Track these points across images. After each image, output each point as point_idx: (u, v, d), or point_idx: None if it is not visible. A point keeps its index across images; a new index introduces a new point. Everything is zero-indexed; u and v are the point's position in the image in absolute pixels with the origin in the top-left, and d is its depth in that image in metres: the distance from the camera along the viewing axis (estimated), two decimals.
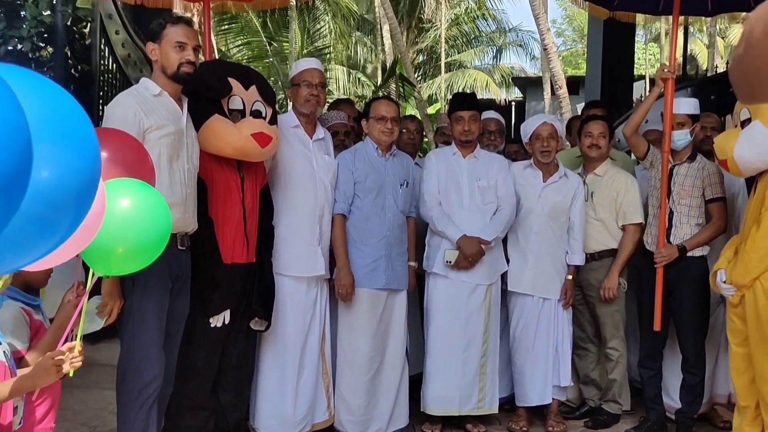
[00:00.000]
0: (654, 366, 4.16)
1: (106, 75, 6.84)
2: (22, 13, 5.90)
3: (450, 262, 4.01)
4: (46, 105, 0.99)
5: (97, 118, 6.68)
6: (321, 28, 19.10)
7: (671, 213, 4.09)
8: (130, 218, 1.62)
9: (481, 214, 4.11)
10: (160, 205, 1.82)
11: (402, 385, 4.08)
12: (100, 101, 6.70)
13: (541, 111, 21.16)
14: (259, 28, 18.89)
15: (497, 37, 24.53)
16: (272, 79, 19.15)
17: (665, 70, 4.12)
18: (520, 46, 24.37)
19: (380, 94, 18.34)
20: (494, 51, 24.73)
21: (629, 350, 4.41)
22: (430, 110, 21.55)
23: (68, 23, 6.18)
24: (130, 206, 1.65)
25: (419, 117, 19.78)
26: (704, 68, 21.24)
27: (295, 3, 15.84)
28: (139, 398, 3.02)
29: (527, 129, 4.33)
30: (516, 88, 24.31)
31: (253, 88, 3.45)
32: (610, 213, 4.29)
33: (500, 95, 22.01)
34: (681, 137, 4.06)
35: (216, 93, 3.32)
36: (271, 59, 18.49)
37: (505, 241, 4.25)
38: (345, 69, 21.76)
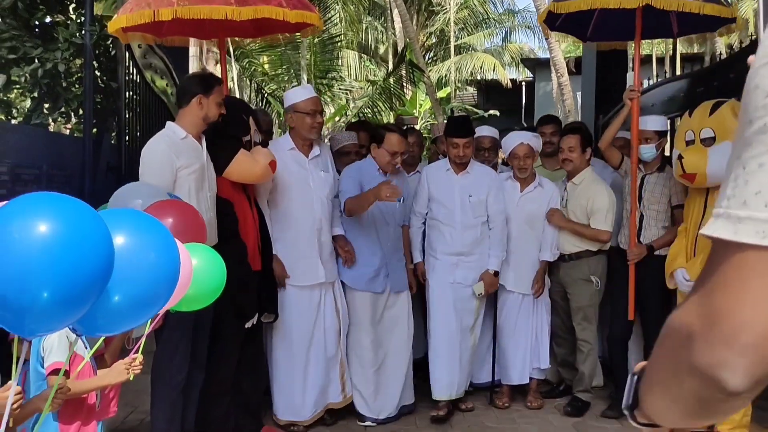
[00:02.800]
0: (622, 350, 4.70)
1: (131, 84, 7.42)
2: (55, 35, 6.43)
3: (482, 294, 4.56)
4: (139, 240, 1.58)
5: (123, 124, 7.28)
6: (332, 16, 19.44)
7: (641, 216, 4.59)
8: (198, 272, 2.18)
9: (473, 229, 4.58)
10: (218, 262, 2.41)
11: (407, 371, 4.59)
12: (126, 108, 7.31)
13: (550, 92, 21.48)
14: None
15: (506, 20, 24.79)
16: (285, 66, 19.60)
17: (631, 91, 4.60)
18: (529, 27, 24.61)
19: (390, 81, 18.81)
20: (503, 33, 25.00)
21: (601, 333, 4.95)
22: (441, 94, 21.95)
23: (96, 39, 6.72)
24: (198, 264, 2.20)
25: (429, 102, 20.24)
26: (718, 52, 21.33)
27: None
28: (170, 385, 3.61)
29: (506, 146, 4.81)
30: (526, 69, 24.62)
31: (251, 119, 4.02)
32: (582, 219, 4.75)
33: (507, 78, 22.30)
34: (647, 151, 4.55)
35: (245, 132, 3.90)
36: (283, 48, 18.88)
37: None
38: (356, 54, 22.14)
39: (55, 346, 2.46)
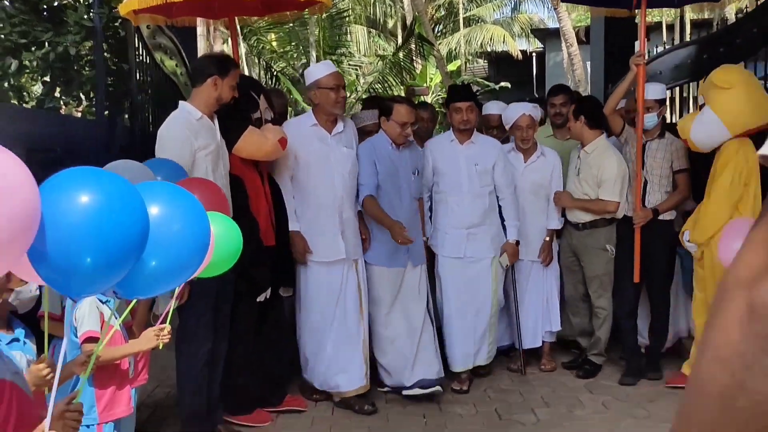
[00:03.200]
0: (633, 319, 4.82)
1: (141, 65, 7.49)
2: (64, 18, 6.51)
3: (507, 265, 4.68)
4: (173, 211, 1.73)
5: (136, 106, 7.37)
6: None
7: (645, 182, 4.67)
8: (217, 239, 2.29)
9: (481, 198, 4.61)
10: (234, 228, 2.54)
11: (422, 344, 4.50)
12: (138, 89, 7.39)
13: (560, 62, 21.36)
14: None
15: None
16: (293, 43, 19.61)
17: (637, 57, 4.63)
18: None
19: (400, 55, 18.80)
20: (512, 3, 24.83)
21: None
22: (451, 67, 21.90)
23: (106, 22, 6.79)
24: (217, 230, 2.30)
25: (440, 76, 20.21)
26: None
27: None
28: (195, 357, 3.74)
29: (508, 118, 4.86)
30: (536, 39, 24.49)
31: (263, 97, 4.09)
32: (593, 188, 4.74)
33: (517, 49, 22.22)
34: (648, 120, 4.62)
35: (254, 109, 3.98)
36: (291, 25, 18.86)
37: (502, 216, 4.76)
38: (365, 29, 22.09)
39: (86, 316, 2.60)
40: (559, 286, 5.02)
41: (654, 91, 4.70)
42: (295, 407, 4.35)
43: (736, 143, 4.19)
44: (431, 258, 4.81)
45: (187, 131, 3.62)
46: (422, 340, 4.54)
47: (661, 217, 4.64)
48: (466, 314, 4.63)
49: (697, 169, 4.62)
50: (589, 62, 12.81)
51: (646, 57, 9.60)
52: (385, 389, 4.59)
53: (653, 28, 19.41)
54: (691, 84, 8.13)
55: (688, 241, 4.34)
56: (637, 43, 11.78)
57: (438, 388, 4.45)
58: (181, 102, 3.84)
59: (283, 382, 4.51)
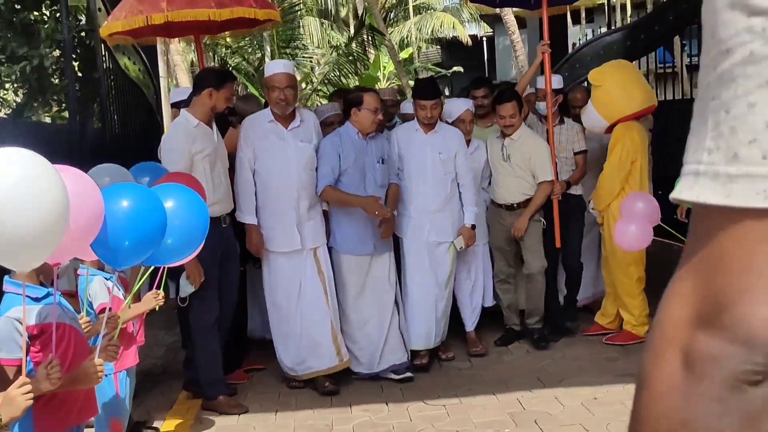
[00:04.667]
0: (555, 281, 5.57)
1: (108, 72, 8.03)
2: (37, 33, 7.06)
3: (462, 247, 4.95)
4: (178, 203, 2.45)
5: (107, 111, 7.91)
6: None
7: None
8: None
9: (443, 185, 4.90)
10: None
11: (391, 331, 4.76)
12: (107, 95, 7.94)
13: (509, 46, 22.18)
14: None
15: None
16: (248, 39, 19.99)
17: (542, 45, 5.28)
18: None
19: (353, 46, 19.37)
20: None
21: None
22: (403, 54, 22.57)
23: (74, 33, 7.33)
24: None
25: (392, 64, 20.87)
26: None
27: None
28: (203, 323, 4.31)
29: (452, 112, 5.32)
30: (486, 24, 25.31)
31: None
32: (525, 171, 5.21)
33: (466, 35, 22.98)
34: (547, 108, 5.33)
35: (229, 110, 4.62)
36: None
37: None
38: (317, 21, 22.56)
39: (98, 292, 3.27)
40: (494, 269, 5.51)
41: (552, 81, 5.35)
42: (256, 366, 5.05)
43: (622, 127, 5.07)
44: (395, 242, 4.98)
45: (185, 137, 4.14)
46: (391, 326, 4.78)
47: (573, 192, 5.42)
48: (429, 296, 4.92)
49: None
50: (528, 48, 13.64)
51: (579, 42, 10.24)
52: (356, 376, 4.78)
53: (596, 10, 20.31)
54: None
55: (593, 209, 5.25)
56: (577, 28, 12.51)
57: (409, 374, 4.73)
58: (182, 110, 4.33)
59: (244, 344, 5.13)
